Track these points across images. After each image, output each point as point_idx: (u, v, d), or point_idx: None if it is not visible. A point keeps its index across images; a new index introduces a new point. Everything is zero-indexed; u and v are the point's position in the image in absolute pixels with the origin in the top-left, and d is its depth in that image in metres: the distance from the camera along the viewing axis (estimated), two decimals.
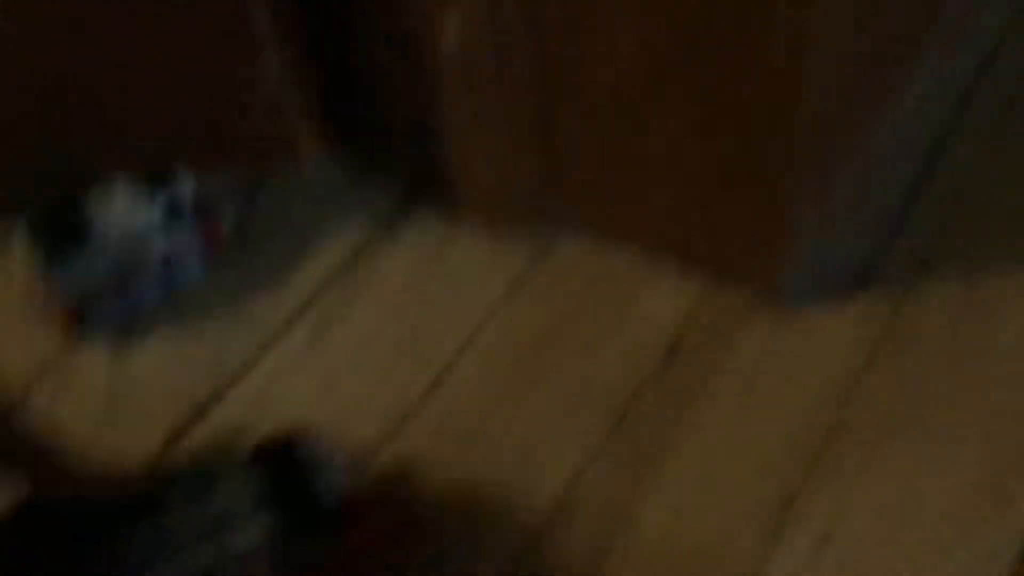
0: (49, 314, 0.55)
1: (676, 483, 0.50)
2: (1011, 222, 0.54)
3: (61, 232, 0.53)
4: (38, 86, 0.55)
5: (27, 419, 0.51)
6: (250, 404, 0.52)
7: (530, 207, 0.60)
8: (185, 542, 0.43)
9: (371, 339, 0.56)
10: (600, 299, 0.57)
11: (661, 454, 0.50)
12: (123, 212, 0.56)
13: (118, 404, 0.52)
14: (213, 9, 0.51)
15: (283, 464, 0.45)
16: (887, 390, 0.51)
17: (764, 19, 0.43)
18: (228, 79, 0.53)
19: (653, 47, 0.47)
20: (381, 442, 0.50)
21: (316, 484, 0.45)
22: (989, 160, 0.56)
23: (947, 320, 0.52)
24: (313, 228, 0.62)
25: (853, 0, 0.45)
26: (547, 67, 0.51)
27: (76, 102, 0.55)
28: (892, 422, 0.50)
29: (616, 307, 0.57)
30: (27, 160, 0.57)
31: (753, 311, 0.55)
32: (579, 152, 0.55)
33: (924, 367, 0.51)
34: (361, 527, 0.46)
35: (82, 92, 0.55)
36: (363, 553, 0.46)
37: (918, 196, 0.56)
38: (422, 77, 0.54)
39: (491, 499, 0.48)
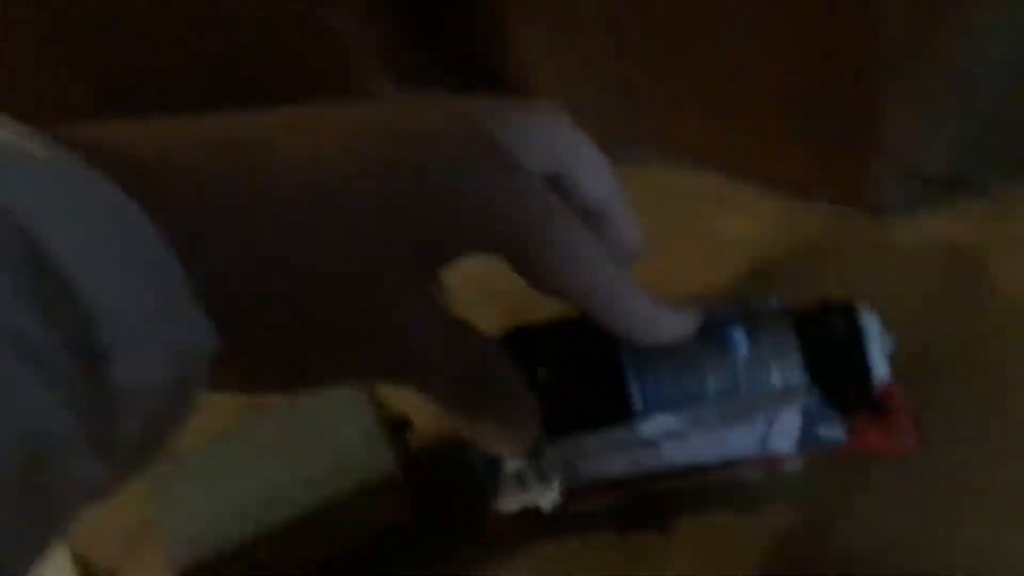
0: None
1: None
2: None
3: None
4: None
5: None
6: None
7: (605, 132, 0.59)
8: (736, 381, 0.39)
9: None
10: (680, 220, 0.55)
11: None
12: None
13: None
14: None
15: (833, 329, 0.40)
16: (987, 301, 0.49)
17: None
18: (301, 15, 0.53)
19: None
20: None
21: (864, 359, 0.40)
22: None
23: None
24: None
25: None
26: None
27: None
28: (986, 331, 0.48)
29: (697, 228, 0.55)
30: None
31: (841, 228, 0.53)
32: (651, 73, 0.54)
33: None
34: (886, 418, 0.42)
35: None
36: (878, 444, 0.42)
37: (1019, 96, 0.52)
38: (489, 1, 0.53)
39: None
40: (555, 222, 0.32)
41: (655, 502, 0.45)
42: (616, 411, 0.39)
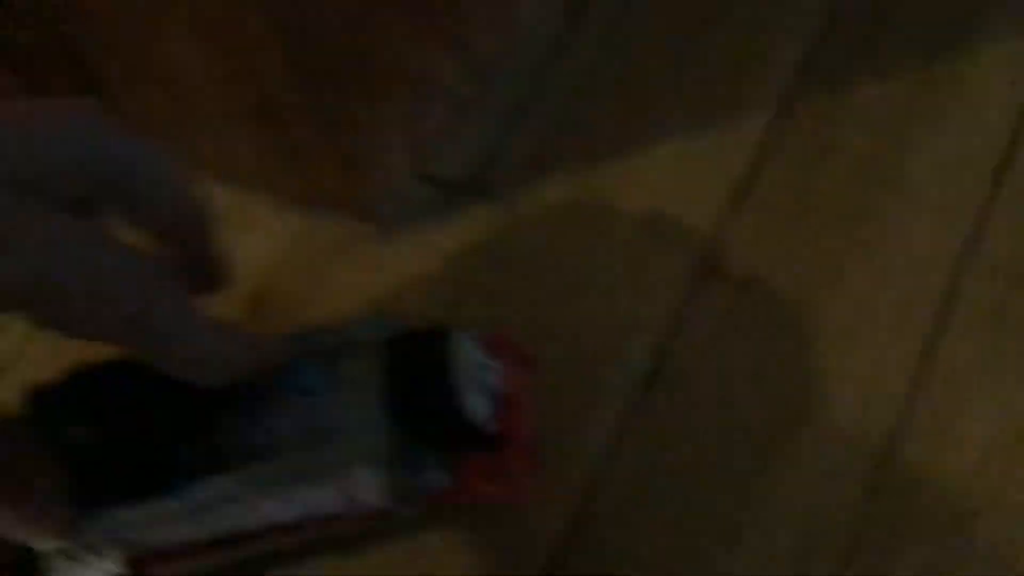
0: None
1: None
2: (628, 114, 0.50)
3: None
4: None
5: None
6: None
7: None
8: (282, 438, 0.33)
9: None
10: None
11: None
12: None
13: None
14: None
15: (417, 362, 0.34)
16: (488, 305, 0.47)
17: None
18: None
19: None
20: None
21: (452, 392, 0.34)
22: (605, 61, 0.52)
23: (559, 226, 0.48)
24: None
25: None
26: None
27: None
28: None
29: None
30: None
31: (352, 242, 0.48)
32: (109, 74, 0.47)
33: (530, 278, 0.47)
34: (500, 461, 0.36)
35: None
36: (490, 491, 0.36)
37: (534, 98, 0.51)
38: None
39: None
40: (71, 252, 0.27)
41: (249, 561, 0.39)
42: (160, 478, 0.33)
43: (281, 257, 0.49)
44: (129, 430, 0.33)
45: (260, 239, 0.49)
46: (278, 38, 0.40)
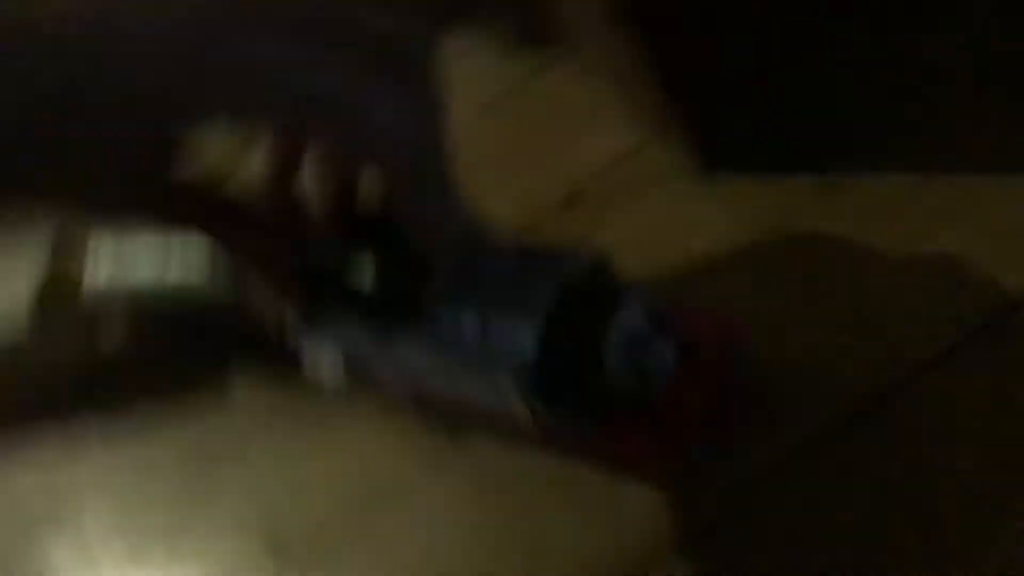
0: None
1: None
2: None
3: None
4: None
5: None
6: None
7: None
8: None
9: None
10: (542, 132, 0.55)
11: None
12: None
13: None
14: None
15: (585, 313, 0.35)
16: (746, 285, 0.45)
17: None
18: None
19: None
20: None
21: (594, 355, 0.35)
22: None
23: (880, 226, 0.44)
24: None
25: None
26: None
27: None
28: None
29: (553, 143, 0.54)
30: None
31: (677, 173, 0.49)
32: None
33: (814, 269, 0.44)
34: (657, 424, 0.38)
35: None
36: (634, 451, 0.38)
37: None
38: None
39: None
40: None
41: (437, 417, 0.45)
42: (390, 316, 0.37)
43: (611, 161, 0.51)
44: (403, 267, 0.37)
45: (602, 139, 0.52)
46: None
